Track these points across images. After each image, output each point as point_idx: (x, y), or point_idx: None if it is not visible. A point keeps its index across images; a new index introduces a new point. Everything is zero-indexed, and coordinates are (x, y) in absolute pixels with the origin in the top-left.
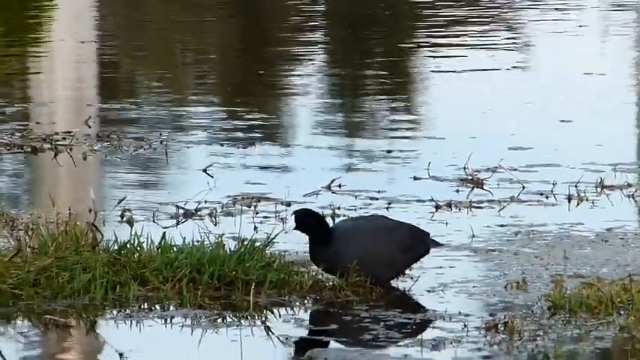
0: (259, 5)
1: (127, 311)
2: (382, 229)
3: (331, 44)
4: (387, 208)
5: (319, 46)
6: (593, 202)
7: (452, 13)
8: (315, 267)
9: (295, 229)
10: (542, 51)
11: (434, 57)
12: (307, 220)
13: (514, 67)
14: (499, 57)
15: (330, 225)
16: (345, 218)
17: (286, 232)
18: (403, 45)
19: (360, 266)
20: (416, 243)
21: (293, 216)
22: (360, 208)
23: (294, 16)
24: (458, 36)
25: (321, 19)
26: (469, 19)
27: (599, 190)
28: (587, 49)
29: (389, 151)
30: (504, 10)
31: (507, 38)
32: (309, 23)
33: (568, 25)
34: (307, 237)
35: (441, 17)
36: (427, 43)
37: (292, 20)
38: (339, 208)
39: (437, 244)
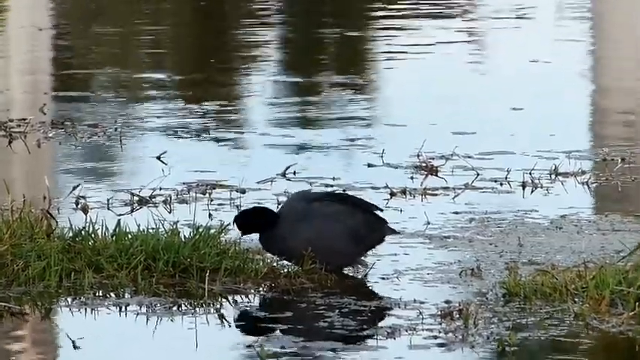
0: None
1: (82, 299)
2: (333, 216)
3: (285, 29)
4: None
5: (274, 31)
6: (547, 190)
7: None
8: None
9: (243, 234)
10: (491, 38)
11: (389, 44)
12: (253, 222)
13: (466, 53)
14: (451, 43)
15: (279, 206)
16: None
17: (240, 239)
18: (358, 31)
19: (313, 252)
20: (369, 232)
21: (235, 224)
22: None
23: (249, 4)
24: (412, 25)
25: (274, 4)
26: (422, 6)
27: (553, 177)
28: (536, 36)
29: (351, 140)
30: None
31: (461, 26)
32: (264, 11)
33: (520, 12)
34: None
35: (395, 3)
36: (382, 28)
37: (247, 8)
38: None
39: (393, 232)
